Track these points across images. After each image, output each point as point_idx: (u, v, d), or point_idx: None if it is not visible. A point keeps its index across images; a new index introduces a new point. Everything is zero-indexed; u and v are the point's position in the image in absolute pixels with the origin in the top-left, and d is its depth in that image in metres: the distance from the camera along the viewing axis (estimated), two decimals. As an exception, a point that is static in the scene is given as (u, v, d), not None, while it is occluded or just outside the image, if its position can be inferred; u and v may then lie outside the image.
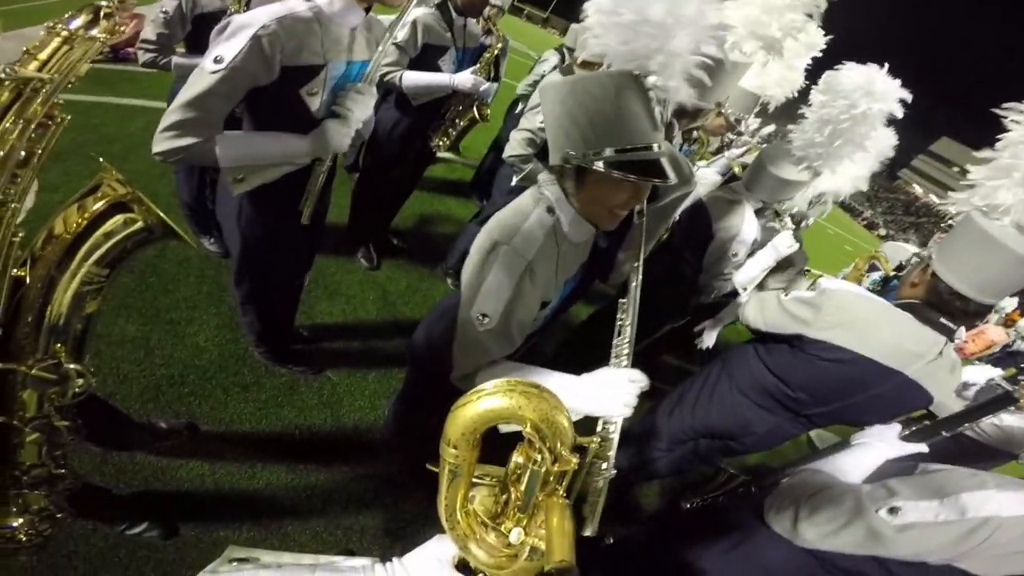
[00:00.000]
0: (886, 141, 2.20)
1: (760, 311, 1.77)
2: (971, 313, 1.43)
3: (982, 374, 2.36)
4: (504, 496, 0.78)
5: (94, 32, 0.93)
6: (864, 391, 1.53)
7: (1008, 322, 4.08)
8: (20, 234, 0.86)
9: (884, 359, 1.47)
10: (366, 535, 1.92)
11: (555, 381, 1.13)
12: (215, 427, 1.98)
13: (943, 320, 1.45)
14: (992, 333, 2.93)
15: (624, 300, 1.23)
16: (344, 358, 2.52)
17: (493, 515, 0.80)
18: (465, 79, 2.42)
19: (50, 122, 0.89)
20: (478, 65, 2.50)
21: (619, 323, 1.22)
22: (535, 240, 1.11)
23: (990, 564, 1.07)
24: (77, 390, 0.95)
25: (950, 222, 2.50)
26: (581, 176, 1.10)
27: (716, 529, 1.57)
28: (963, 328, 1.57)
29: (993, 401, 1.39)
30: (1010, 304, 3.60)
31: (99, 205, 0.92)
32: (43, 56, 0.88)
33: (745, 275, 2.22)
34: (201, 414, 2.00)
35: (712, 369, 2.03)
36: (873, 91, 1.80)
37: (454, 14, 2.38)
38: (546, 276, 1.16)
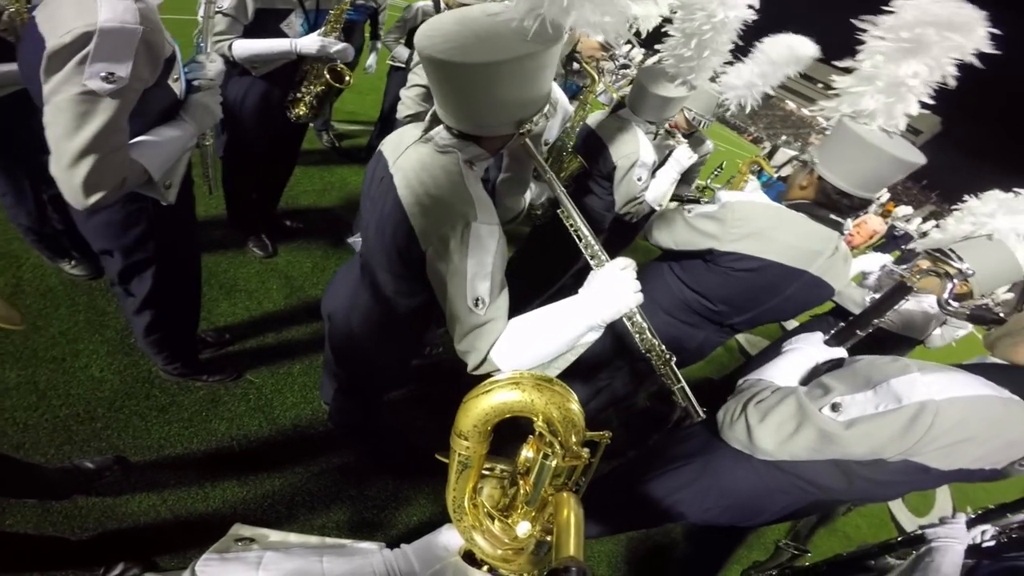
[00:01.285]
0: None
1: (668, 231, 1.80)
2: (855, 207, 1.58)
3: (875, 261, 2.68)
4: (513, 489, 0.80)
5: None
6: (777, 294, 1.67)
7: (885, 212, 4.64)
8: None
9: (790, 261, 1.60)
10: (343, 529, 1.93)
11: (565, 311, 1.11)
12: (146, 456, 1.87)
13: (832, 216, 1.59)
14: (873, 223, 3.33)
15: (560, 209, 1.24)
16: (261, 357, 2.42)
17: (501, 508, 0.81)
18: (311, 42, 2.25)
19: None
20: (326, 26, 2.30)
21: (572, 230, 1.23)
22: (487, 200, 1.09)
23: (942, 456, 1.12)
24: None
25: (823, 129, 2.79)
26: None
27: (676, 459, 1.65)
28: (850, 221, 1.79)
29: (893, 291, 1.55)
30: (885, 195, 4.08)
31: None
32: None
33: (656, 192, 2.37)
34: (124, 446, 1.86)
35: (644, 280, 2.09)
36: (725, 0, 1.90)
37: None
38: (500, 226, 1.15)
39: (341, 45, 2.35)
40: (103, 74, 1.08)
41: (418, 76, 2.04)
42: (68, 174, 1.12)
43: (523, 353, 1.10)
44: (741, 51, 2.22)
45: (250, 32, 2.15)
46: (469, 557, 0.82)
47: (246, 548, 0.76)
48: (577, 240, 1.23)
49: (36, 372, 1.96)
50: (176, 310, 1.90)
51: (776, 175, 2.40)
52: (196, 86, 1.49)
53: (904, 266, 2.29)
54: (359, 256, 1.47)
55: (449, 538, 0.83)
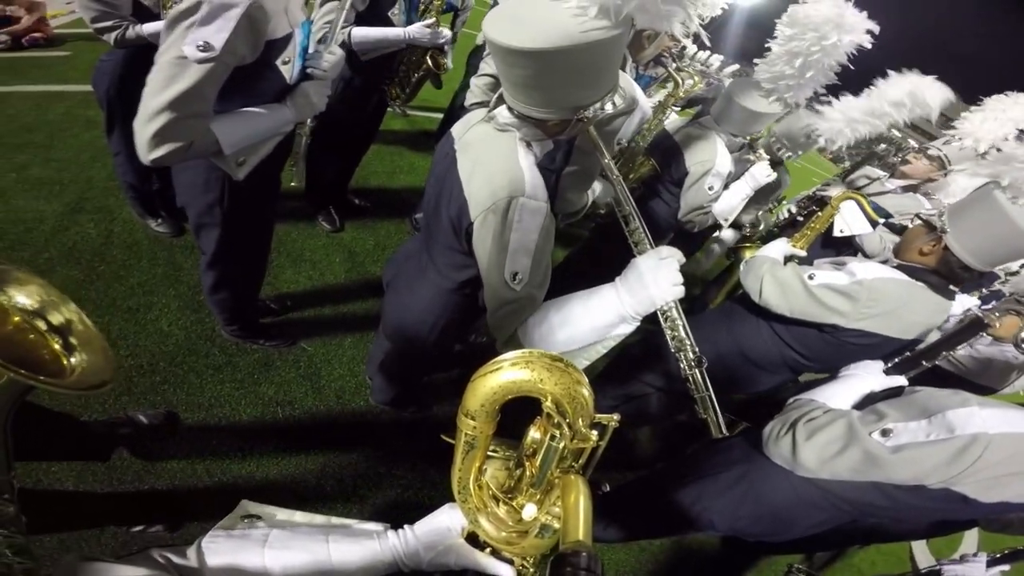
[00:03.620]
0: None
1: (783, 297, 1.70)
2: (973, 281, 1.55)
3: (959, 305, 2.47)
4: (519, 471, 0.79)
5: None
6: (878, 354, 1.62)
7: None
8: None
9: (908, 336, 1.57)
10: (366, 506, 1.98)
11: (597, 297, 1.13)
12: (195, 413, 1.98)
13: (950, 287, 1.55)
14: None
15: (611, 198, 1.25)
16: (316, 327, 2.51)
17: (506, 489, 0.81)
18: (421, 31, 2.32)
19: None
20: (433, 18, 2.39)
21: (621, 215, 1.23)
22: (538, 179, 1.10)
23: (985, 487, 1.11)
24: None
25: (922, 151, 2.59)
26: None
27: (716, 466, 1.63)
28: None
29: (966, 327, 1.48)
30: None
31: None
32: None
33: (724, 205, 2.31)
34: (178, 401, 1.98)
35: (715, 331, 1.99)
36: (843, 23, 1.83)
37: None
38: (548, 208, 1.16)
39: (447, 33, 2.43)
40: (200, 43, 1.14)
41: (489, 66, 2.05)
42: (142, 127, 1.18)
43: (549, 336, 1.12)
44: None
45: (361, 20, 2.24)
46: (472, 538, 0.82)
47: (252, 525, 0.78)
48: (624, 225, 1.22)
49: (112, 320, 2.12)
50: (240, 275, 2.00)
51: (882, 221, 2.21)
52: (309, 74, 1.55)
53: (987, 306, 2.09)
54: (420, 230, 1.53)
55: (452, 518, 0.82)
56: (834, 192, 2.60)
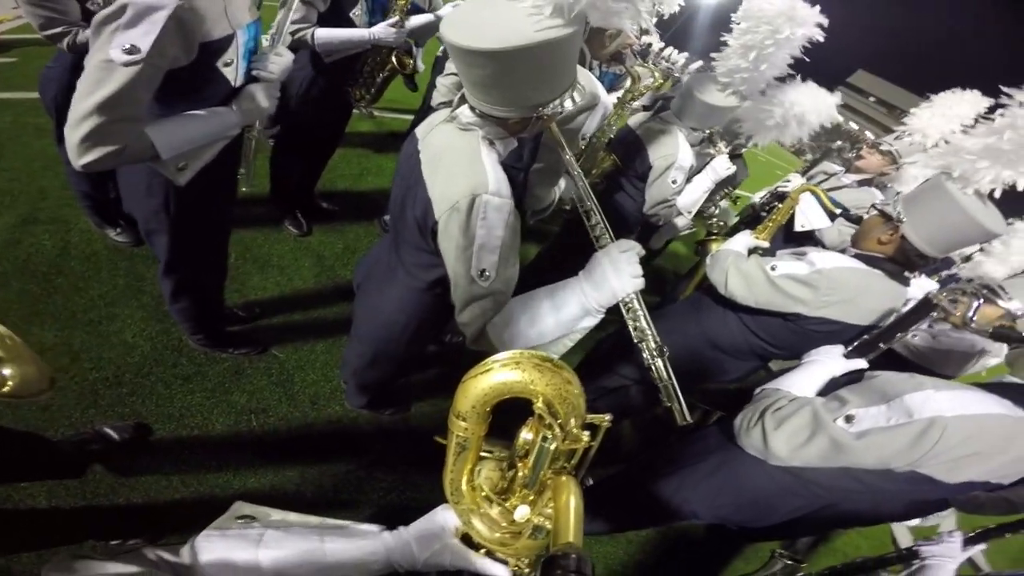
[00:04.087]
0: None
1: (748, 288, 1.77)
2: (927, 266, 1.62)
3: (919, 288, 2.57)
4: (511, 472, 0.79)
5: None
6: (840, 339, 1.68)
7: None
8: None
9: (867, 321, 1.63)
10: (348, 511, 1.97)
11: (562, 292, 1.16)
12: (166, 424, 1.93)
13: (905, 274, 1.64)
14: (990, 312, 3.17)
15: (573, 194, 1.27)
16: (287, 333, 2.47)
17: (499, 491, 0.80)
18: (385, 32, 2.28)
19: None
20: (397, 17, 2.35)
21: (583, 210, 1.25)
22: (502, 177, 1.12)
23: (947, 469, 1.17)
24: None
25: (876, 144, 2.70)
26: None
27: (694, 456, 1.68)
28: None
29: (918, 307, 1.55)
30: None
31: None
32: None
33: (688, 198, 2.36)
34: (147, 413, 1.93)
35: (684, 323, 2.07)
36: (795, 16, 1.88)
37: None
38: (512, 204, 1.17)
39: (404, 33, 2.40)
40: (126, 46, 1.12)
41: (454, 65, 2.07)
42: (71, 131, 1.16)
43: (518, 332, 1.15)
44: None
45: (323, 20, 2.21)
46: (467, 539, 0.82)
47: (247, 525, 0.78)
48: (586, 220, 1.25)
49: (72, 334, 2.05)
50: (199, 282, 1.96)
51: (839, 212, 2.28)
52: (255, 77, 1.53)
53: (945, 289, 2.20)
54: (387, 231, 1.53)
55: (446, 519, 0.83)
56: (794, 186, 2.69)
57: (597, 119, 1.88)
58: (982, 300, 1.94)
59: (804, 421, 1.35)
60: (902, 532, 3.14)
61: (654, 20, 2.71)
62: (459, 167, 1.11)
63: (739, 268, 1.80)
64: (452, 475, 0.79)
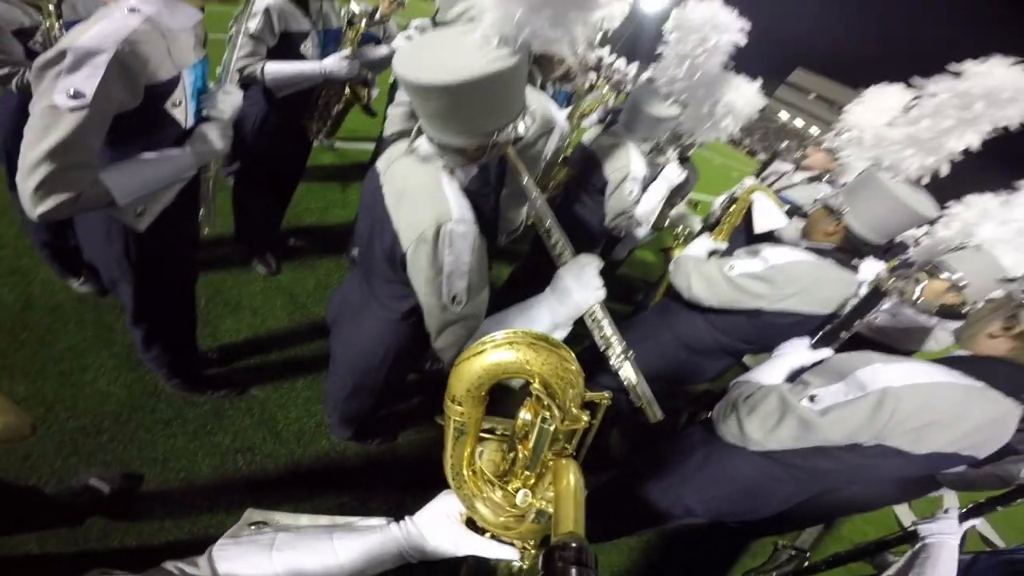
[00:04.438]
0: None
1: (709, 290, 1.84)
2: (872, 252, 1.74)
3: (870, 270, 2.74)
4: (512, 454, 0.77)
5: None
6: (805, 331, 1.75)
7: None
8: None
9: (826, 310, 1.72)
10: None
11: (530, 308, 1.20)
12: (151, 468, 1.89)
13: (853, 261, 1.75)
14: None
15: (533, 214, 1.31)
16: (265, 372, 2.44)
17: (500, 473, 0.79)
18: (338, 64, 2.32)
19: None
20: (348, 48, 2.38)
21: (543, 231, 1.29)
22: (464, 204, 1.16)
23: (911, 440, 1.24)
24: None
25: (819, 140, 2.89)
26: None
27: (681, 453, 1.72)
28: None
29: (869, 296, 1.66)
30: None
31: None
32: None
33: (645, 208, 2.44)
34: (130, 458, 1.89)
35: (656, 329, 2.13)
36: (718, 24, 2.01)
37: None
38: (477, 229, 1.21)
39: (357, 65, 2.43)
40: (71, 91, 1.12)
41: (404, 94, 2.13)
42: (23, 181, 1.15)
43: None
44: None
45: (272, 55, 2.22)
46: (471, 524, 0.82)
47: (259, 531, 0.79)
48: (547, 239, 1.28)
49: (44, 385, 1.99)
50: (169, 328, 1.94)
51: (785, 207, 2.43)
52: (205, 116, 1.53)
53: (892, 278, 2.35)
54: (357, 265, 1.55)
55: (449, 504, 0.83)
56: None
57: (555, 140, 1.95)
58: (925, 281, 2.10)
59: (773, 405, 1.42)
60: (904, 513, 3.25)
61: (599, 36, 2.89)
62: (422, 198, 1.15)
63: (700, 271, 1.88)
64: (452, 460, 0.78)
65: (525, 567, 0.85)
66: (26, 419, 0.85)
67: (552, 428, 0.67)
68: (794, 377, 1.57)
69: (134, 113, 1.29)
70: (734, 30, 2.04)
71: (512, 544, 0.81)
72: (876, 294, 1.64)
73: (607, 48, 9.79)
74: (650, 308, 2.54)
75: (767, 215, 2.48)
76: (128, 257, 1.58)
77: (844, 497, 2.18)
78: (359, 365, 1.62)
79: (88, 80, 1.14)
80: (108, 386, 2.10)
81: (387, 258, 1.26)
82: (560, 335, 1.18)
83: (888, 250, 2.82)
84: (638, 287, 4.50)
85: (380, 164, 1.31)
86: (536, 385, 0.64)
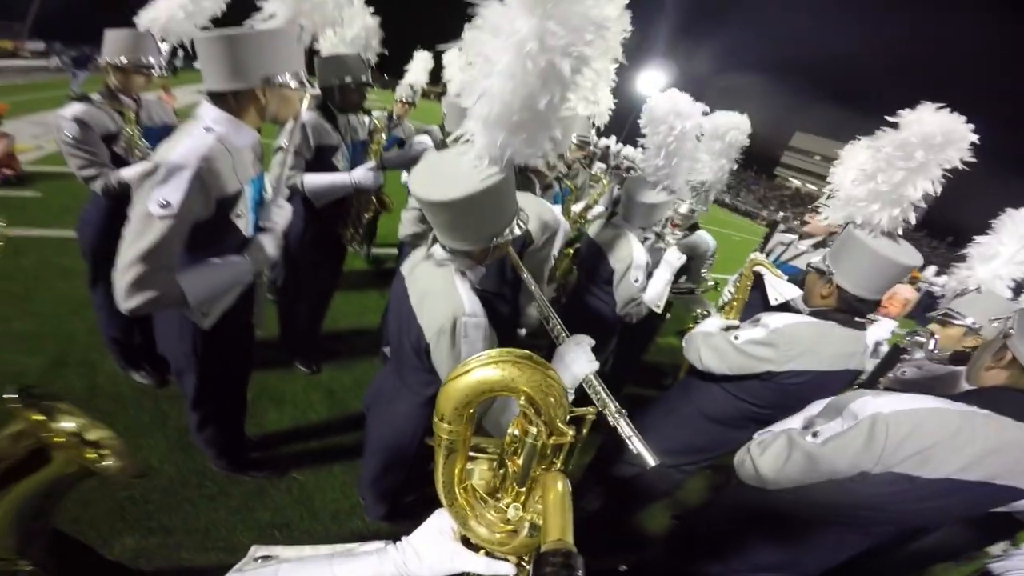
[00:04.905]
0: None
1: (720, 359, 1.91)
2: (871, 310, 1.81)
3: (882, 330, 2.81)
4: (502, 470, 0.79)
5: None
6: (825, 393, 1.75)
7: (912, 280, 4.71)
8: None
9: (836, 367, 1.76)
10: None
11: None
12: (191, 537, 1.99)
13: (856, 319, 1.78)
14: (903, 292, 3.44)
15: (532, 304, 1.47)
16: (305, 458, 2.58)
17: (492, 490, 0.81)
18: (364, 176, 2.62)
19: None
20: (373, 161, 2.71)
21: (541, 317, 1.45)
22: (475, 300, 1.35)
23: (917, 464, 1.25)
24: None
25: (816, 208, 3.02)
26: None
27: (725, 511, 1.78)
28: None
29: (888, 356, 1.73)
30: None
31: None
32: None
33: (652, 293, 2.57)
34: (173, 527, 2.00)
35: (678, 404, 2.18)
36: (680, 111, 2.22)
37: (337, 113, 2.62)
38: (487, 321, 1.39)
39: (381, 176, 2.74)
40: (162, 200, 1.34)
41: (414, 200, 2.30)
42: (119, 277, 1.34)
43: (509, 418, 1.26)
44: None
45: (310, 167, 2.55)
46: (466, 542, 0.82)
47: (264, 564, 0.81)
48: (545, 324, 1.43)
49: None
50: (223, 413, 2.12)
51: (785, 278, 2.54)
52: (262, 227, 1.76)
53: (912, 337, 2.39)
54: (389, 359, 1.75)
55: (442, 522, 0.83)
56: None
57: (560, 240, 2.15)
58: (937, 336, 2.15)
59: (782, 444, 1.47)
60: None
61: (593, 130, 3.21)
62: (440, 297, 1.35)
63: (708, 344, 1.96)
64: (444, 478, 0.79)
65: None
66: (138, 463, 0.98)
67: (539, 443, 0.69)
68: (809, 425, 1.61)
69: (207, 223, 1.50)
70: (696, 116, 2.26)
71: (507, 560, 0.81)
72: (894, 353, 1.69)
73: (613, 138, 10.46)
74: (673, 387, 2.57)
75: (779, 287, 2.58)
76: (196, 352, 1.78)
77: (920, 548, 2.17)
78: (391, 443, 1.75)
79: (175, 192, 1.36)
80: (160, 463, 2.27)
81: (414, 350, 1.44)
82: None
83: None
84: (666, 371, 4.51)
85: (404, 268, 1.51)
86: (522, 402, 0.66)
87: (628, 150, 9.14)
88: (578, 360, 1.24)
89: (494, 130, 1.19)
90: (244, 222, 1.66)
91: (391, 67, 3.93)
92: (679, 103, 2.24)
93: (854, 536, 1.53)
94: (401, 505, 2.23)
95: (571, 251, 3.11)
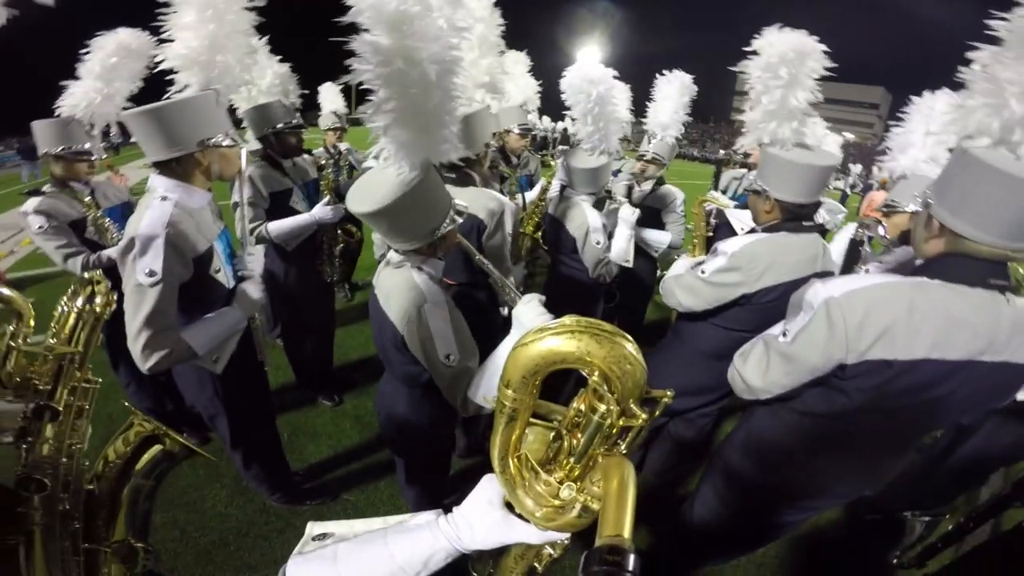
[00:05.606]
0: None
1: (695, 296, 2.01)
2: (815, 210, 1.93)
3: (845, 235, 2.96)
4: (557, 443, 0.75)
5: (96, 305, 1.27)
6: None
7: (882, 185, 4.79)
8: (86, 462, 1.22)
9: (802, 273, 1.84)
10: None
11: (506, 343, 1.41)
12: (271, 569, 2.17)
13: (806, 223, 1.90)
14: (877, 197, 3.63)
15: (489, 281, 1.63)
16: (351, 480, 2.83)
17: (544, 460, 0.77)
18: (323, 212, 2.77)
19: (87, 384, 1.24)
20: (327, 196, 2.88)
21: (497, 288, 1.61)
22: (435, 288, 1.50)
23: (887, 345, 1.26)
24: (144, 563, 1.25)
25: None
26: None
27: (739, 447, 1.77)
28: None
29: (850, 250, 1.88)
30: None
31: (134, 439, 1.29)
32: (67, 332, 1.23)
33: (617, 250, 2.74)
34: (255, 562, 2.27)
35: (674, 349, 2.32)
36: (592, 78, 2.42)
37: (280, 159, 2.80)
38: (451, 302, 1.54)
39: (341, 208, 2.80)
40: (147, 270, 1.49)
41: None
42: (132, 344, 1.52)
43: (487, 384, 1.44)
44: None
45: (271, 215, 2.73)
46: (511, 508, 0.81)
47: (322, 544, 0.84)
48: (501, 293, 1.58)
49: (175, 514, 2.45)
50: (261, 449, 2.35)
51: (733, 205, 2.73)
52: (241, 277, 1.96)
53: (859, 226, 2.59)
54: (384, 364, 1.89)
55: (492, 491, 0.82)
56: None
57: (509, 221, 2.29)
58: (885, 224, 2.34)
59: (760, 351, 1.53)
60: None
61: (531, 117, 3.36)
62: (403, 291, 1.48)
63: (680, 285, 2.08)
64: (499, 445, 0.76)
65: (556, 555, 0.90)
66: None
67: (607, 423, 0.64)
68: None
69: (191, 283, 1.68)
70: (608, 80, 2.45)
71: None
72: (853, 247, 1.86)
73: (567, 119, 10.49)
74: (668, 335, 2.63)
75: (740, 217, 2.73)
76: (218, 395, 1.99)
77: (972, 453, 2.23)
78: (406, 436, 1.86)
79: (155, 260, 1.52)
80: (226, 509, 2.54)
81: (394, 346, 1.54)
82: None
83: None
84: (665, 328, 4.73)
85: (375, 280, 1.64)
86: (595, 378, 0.61)
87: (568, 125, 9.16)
88: (531, 316, 1.37)
89: (401, 139, 1.33)
90: (223, 275, 1.84)
91: (311, 107, 4.14)
92: (589, 71, 2.43)
93: (887, 447, 1.51)
94: (442, 506, 2.42)
95: (530, 229, 3.33)
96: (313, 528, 0.88)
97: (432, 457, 2.00)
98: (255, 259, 2.04)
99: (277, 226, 2.71)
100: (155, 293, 1.51)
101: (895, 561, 2.03)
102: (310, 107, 3.95)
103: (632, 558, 0.48)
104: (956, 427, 2.31)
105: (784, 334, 1.44)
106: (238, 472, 2.43)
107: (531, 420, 0.77)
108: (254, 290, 1.93)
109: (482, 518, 0.79)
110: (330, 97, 4.93)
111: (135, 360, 1.55)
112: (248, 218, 2.61)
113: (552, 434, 0.78)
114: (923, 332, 1.22)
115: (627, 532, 0.53)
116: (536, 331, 0.62)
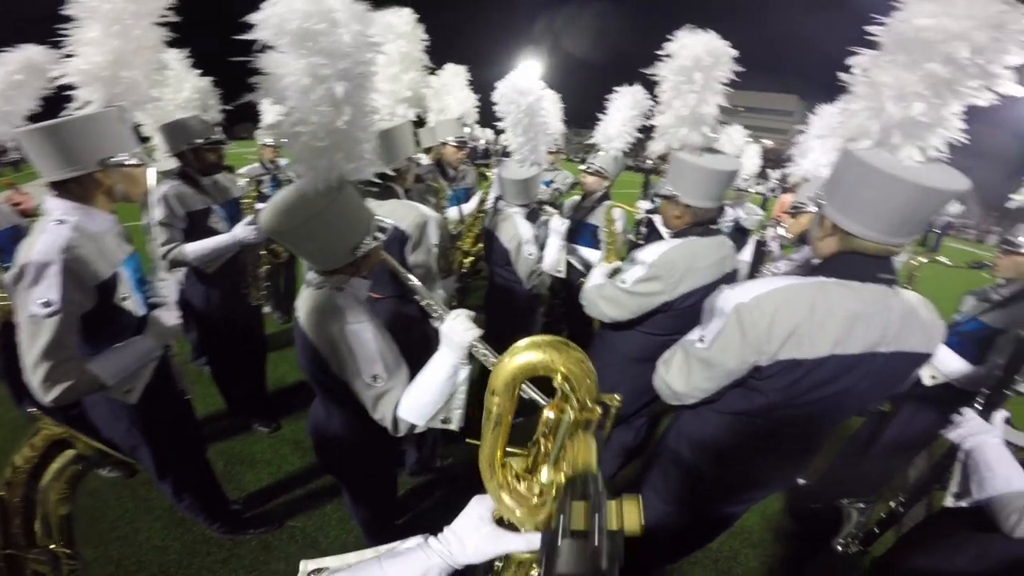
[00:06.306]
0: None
1: (619, 307, 2.04)
2: (719, 216, 2.04)
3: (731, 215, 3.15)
4: (534, 449, 0.87)
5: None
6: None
7: (793, 187, 5.06)
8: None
9: (716, 276, 1.94)
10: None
11: (435, 361, 1.40)
12: None
13: (712, 227, 2.00)
14: (787, 199, 3.86)
15: (415, 298, 1.62)
16: (294, 507, 2.75)
17: (526, 470, 0.89)
18: (246, 232, 2.63)
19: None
20: (250, 215, 2.78)
21: (424, 305, 1.56)
22: (355, 306, 1.45)
23: (795, 346, 1.32)
24: (70, 568, 1.21)
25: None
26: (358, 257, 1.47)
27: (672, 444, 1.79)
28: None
29: (756, 253, 2.07)
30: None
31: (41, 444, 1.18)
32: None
33: (549, 261, 2.84)
34: None
35: (602, 356, 2.30)
36: (521, 89, 2.50)
37: (199, 176, 2.67)
38: (375, 320, 1.50)
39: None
40: (42, 300, 1.41)
41: None
42: (30, 377, 1.44)
43: (419, 404, 1.43)
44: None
45: (189, 235, 2.60)
46: (502, 522, 0.87)
47: None
48: (429, 311, 1.55)
49: (108, 549, 2.34)
50: (191, 480, 2.24)
51: (643, 212, 2.89)
52: (153, 304, 1.87)
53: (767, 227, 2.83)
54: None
55: (482, 507, 0.88)
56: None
57: (434, 231, 2.29)
58: (785, 224, 2.52)
59: (680, 357, 1.55)
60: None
61: (472, 129, 3.40)
62: (322, 314, 1.44)
63: (603, 296, 2.11)
64: (488, 449, 0.85)
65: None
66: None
67: (572, 418, 0.77)
68: None
69: (95, 312, 1.59)
70: (537, 90, 2.53)
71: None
72: (759, 249, 2.00)
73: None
74: (594, 340, 2.64)
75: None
76: (136, 426, 1.90)
77: (889, 441, 2.41)
78: (344, 465, 1.86)
79: (50, 290, 1.44)
80: (163, 541, 2.45)
81: (318, 367, 1.50)
82: (464, 373, 1.42)
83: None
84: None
85: (296, 301, 1.59)
86: (559, 380, 0.75)
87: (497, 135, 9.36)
88: (459, 332, 1.36)
89: (313, 157, 1.33)
90: (132, 303, 1.76)
91: (251, 120, 3.99)
92: (517, 82, 2.51)
93: (805, 439, 1.59)
94: (395, 527, 2.32)
95: (468, 243, 3.41)
96: (307, 565, 0.91)
97: (373, 478, 1.97)
98: (167, 285, 1.95)
99: (195, 248, 2.58)
100: (52, 324, 1.43)
101: (839, 548, 2.18)
102: (244, 119, 3.78)
103: (593, 479, 0.60)
104: (876, 416, 2.55)
105: (701, 340, 1.49)
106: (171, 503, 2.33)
107: (508, 449, 0.89)
108: (168, 317, 1.83)
109: (472, 533, 0.85)
110: (273, 110, 4.70)
111: (34, 393, 1.46)
112: (160, 240, 2.50)
113: (531, 443, 0.89)
114: (826, 330, 1.30)
115: (592, 461, 0.66)
116: (511, 350, 0.77)
